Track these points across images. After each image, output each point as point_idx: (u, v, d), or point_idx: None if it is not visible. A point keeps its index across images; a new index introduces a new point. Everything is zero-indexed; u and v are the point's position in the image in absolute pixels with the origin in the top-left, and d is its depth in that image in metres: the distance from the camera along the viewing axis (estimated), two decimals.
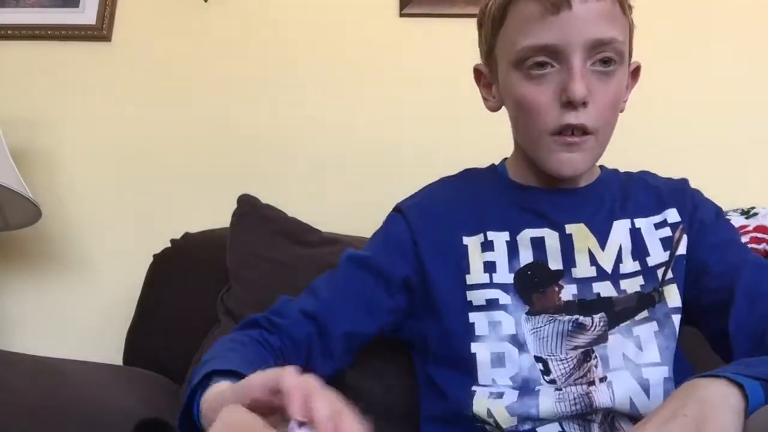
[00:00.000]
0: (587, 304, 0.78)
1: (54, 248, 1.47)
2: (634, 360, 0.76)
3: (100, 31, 1.54)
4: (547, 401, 0.74)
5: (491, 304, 0.79)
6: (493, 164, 0.94)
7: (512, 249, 0.81)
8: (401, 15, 1.52)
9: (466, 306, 0.80)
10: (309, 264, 1.10)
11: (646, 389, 0.74)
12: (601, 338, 0.77)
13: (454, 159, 1.45)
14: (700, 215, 0.83)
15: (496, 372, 0.77)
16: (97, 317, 1.40)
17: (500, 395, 0.75)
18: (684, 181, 0.88)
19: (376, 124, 1.48)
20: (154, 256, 1.23)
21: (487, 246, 0.82)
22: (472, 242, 0.83)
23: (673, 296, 0.78)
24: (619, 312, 0.78)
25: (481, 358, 0.77)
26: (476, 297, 0.80)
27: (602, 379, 0.75)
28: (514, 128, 0.85)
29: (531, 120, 0.78)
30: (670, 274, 0.79)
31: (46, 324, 1.43)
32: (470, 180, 0.91)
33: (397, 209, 0.89)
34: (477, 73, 0.88)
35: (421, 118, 1.47)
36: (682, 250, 0.80)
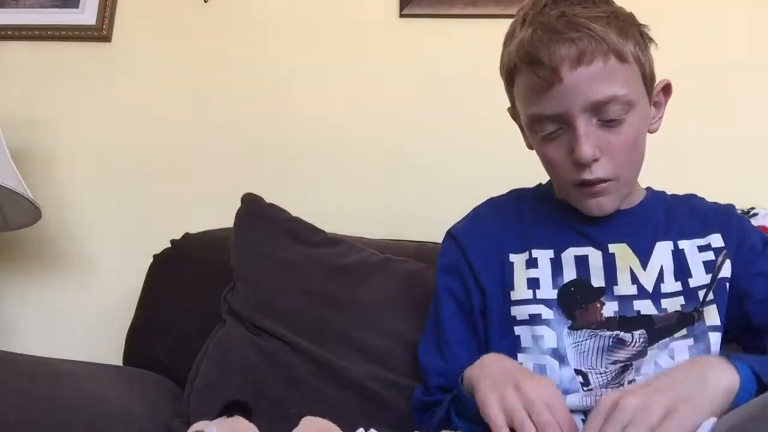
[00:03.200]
0: (627, 321, 0.80)
1: (54, 248, 1.47)
2: (665, 367, 0.77)
3: (100, 32, 1.54)
4: (574, 397, 0.77)
5: (534, 319, 0.82)
6: (540, 183, 0.96)
7: (556, 266, 0.84)
8: (401, 15, 1.52)
9: (510, 320, 0.84)
10: (313, 264, 1.10)
11: None
12: (641, 354, 0.79)
13: (454, 159, 1.46)
14: (748, 243, 0.85)
15: None
16: (97, 317, 1.40)
17: None
18: (731, 207, 0.90)
19: (376, 123, 1.48)
20: (154, 256, 1.23)
21: (531, 263, 0.85)
22: (518, 260, 0.87)
23: (712, 316, 0.80)
24: (659, 329, 0.80)
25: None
26: (520, 312, 0.83)
27: (631, 381, 0.77)
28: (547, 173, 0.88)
29: (554, 173, 0.84)
30: (711, 296, 0.81)
31: (46, 324, 1.43)
32: (518, 200, 0.94)
33: (450, 235, 0.93)
34: (511, 114, 0.90)
35: (421, 118, 1.47)
36: (725, 273, 0.82)
